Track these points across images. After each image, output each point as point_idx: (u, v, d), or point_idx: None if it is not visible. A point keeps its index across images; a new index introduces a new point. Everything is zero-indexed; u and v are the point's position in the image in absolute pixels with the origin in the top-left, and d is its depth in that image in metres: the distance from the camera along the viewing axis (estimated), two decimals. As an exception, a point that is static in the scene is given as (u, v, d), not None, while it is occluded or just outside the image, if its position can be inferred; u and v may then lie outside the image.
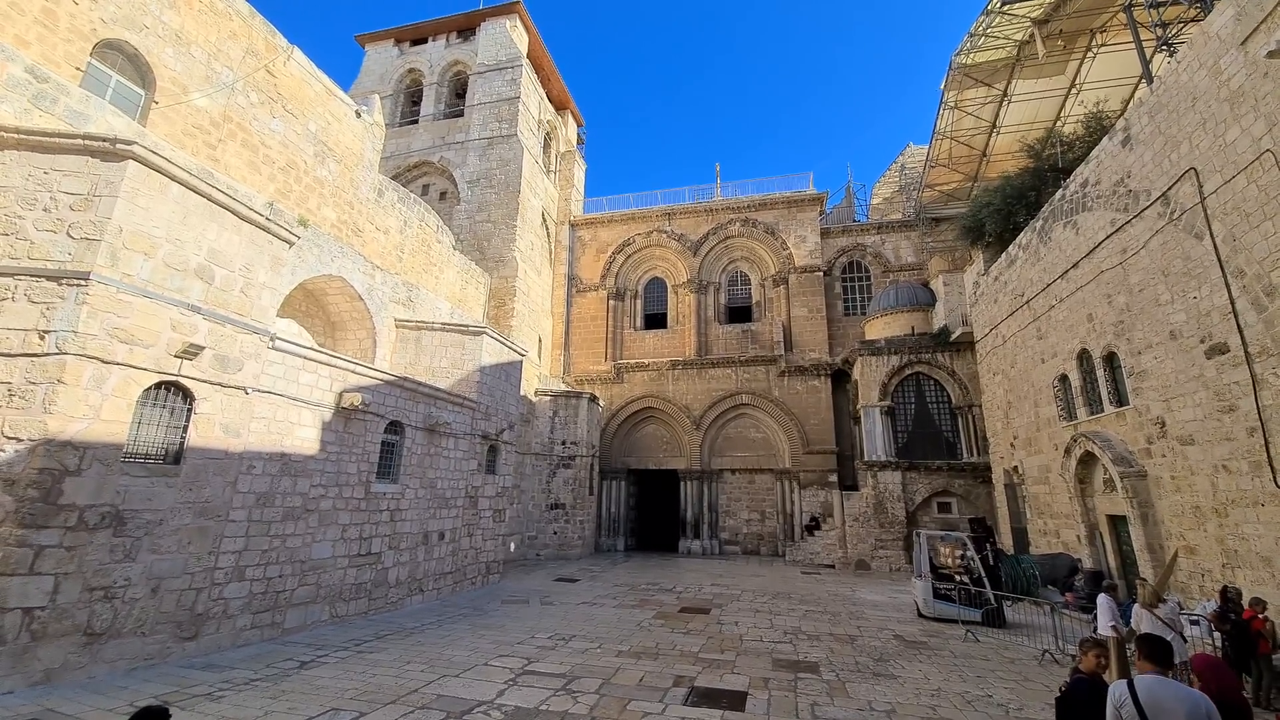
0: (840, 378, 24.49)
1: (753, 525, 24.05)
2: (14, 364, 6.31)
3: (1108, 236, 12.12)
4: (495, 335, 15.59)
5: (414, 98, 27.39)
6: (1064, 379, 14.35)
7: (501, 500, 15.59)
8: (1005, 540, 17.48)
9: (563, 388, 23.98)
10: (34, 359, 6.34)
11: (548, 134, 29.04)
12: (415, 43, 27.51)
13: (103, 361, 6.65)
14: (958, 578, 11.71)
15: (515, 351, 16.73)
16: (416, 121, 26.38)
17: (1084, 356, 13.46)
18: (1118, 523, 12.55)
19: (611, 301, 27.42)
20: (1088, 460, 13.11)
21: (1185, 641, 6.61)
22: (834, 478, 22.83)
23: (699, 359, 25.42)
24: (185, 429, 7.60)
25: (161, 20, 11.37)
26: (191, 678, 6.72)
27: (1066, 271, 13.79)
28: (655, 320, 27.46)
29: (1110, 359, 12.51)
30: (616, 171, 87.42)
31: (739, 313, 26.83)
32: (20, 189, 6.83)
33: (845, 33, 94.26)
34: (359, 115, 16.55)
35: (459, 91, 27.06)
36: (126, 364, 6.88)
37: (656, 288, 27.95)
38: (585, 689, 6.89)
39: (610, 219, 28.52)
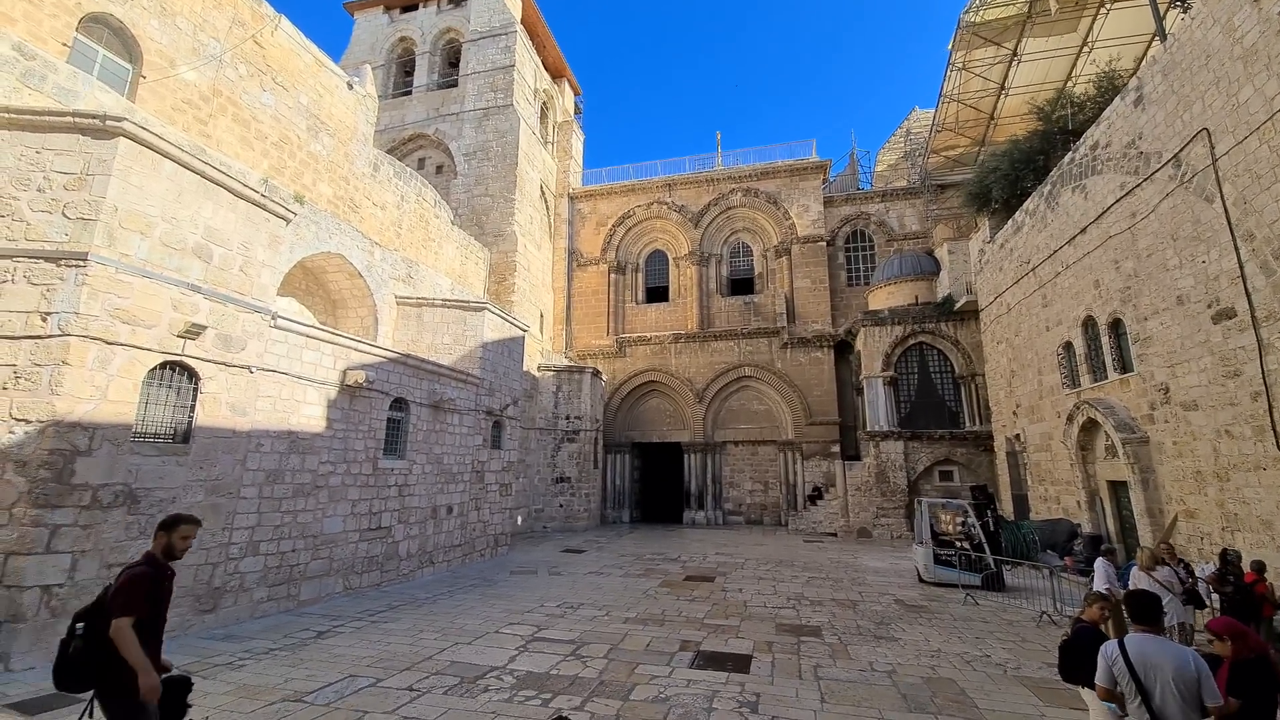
0: (843, 349, 24.45)
1: (756, 496, 24.36)
2: (18, 346, 6.33)
3: (1117, 201, 11.91)
4: (496, 311, 15.55)
5: (406, 68, 26.72)
6: (1068, 346, 14.29)
7: (507, 475, 15.78)
8: (1006, 507, 17.69)
9: (565, 363, 24.02)
10: (38, 341, 6.34)
11: (544, 104, 28.40)
12: (406, 10, 26.70)
13: (106, 342, 6.66)
14: (958, 544, 11.90)
15: (517, 327, 16.71)
16: (410, 93, 25.79)
17: (1089, 323, 13.37)
18: (1118, 488, 12.66)
19: (613, 275, 27.23)
20: (1090, 427, 13.15)
21: (1185, 605, 6.73)
22: (836, 448, 23.01)
23: (701, 332, 25.36)
24: (192, 408, 7.66)
25: (144, -10, 11.03)
26: (212, 648, 6.93)
27: (1074, 237, 13.60)
28: (657, 294, 27.30)
29: (1116, 325, 12.43)
30: (615, 142, 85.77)
31: (741, 284, 26.65)
32: (13, 169, 6.73)
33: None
34: (351, 87, 16.18)
35: (452, 60, 26.37)
36: (130, 344, 6.89)
37: (658, 260, 27.71)
38: (594, 654, 7.08)
39: (610, 191, 28.11)
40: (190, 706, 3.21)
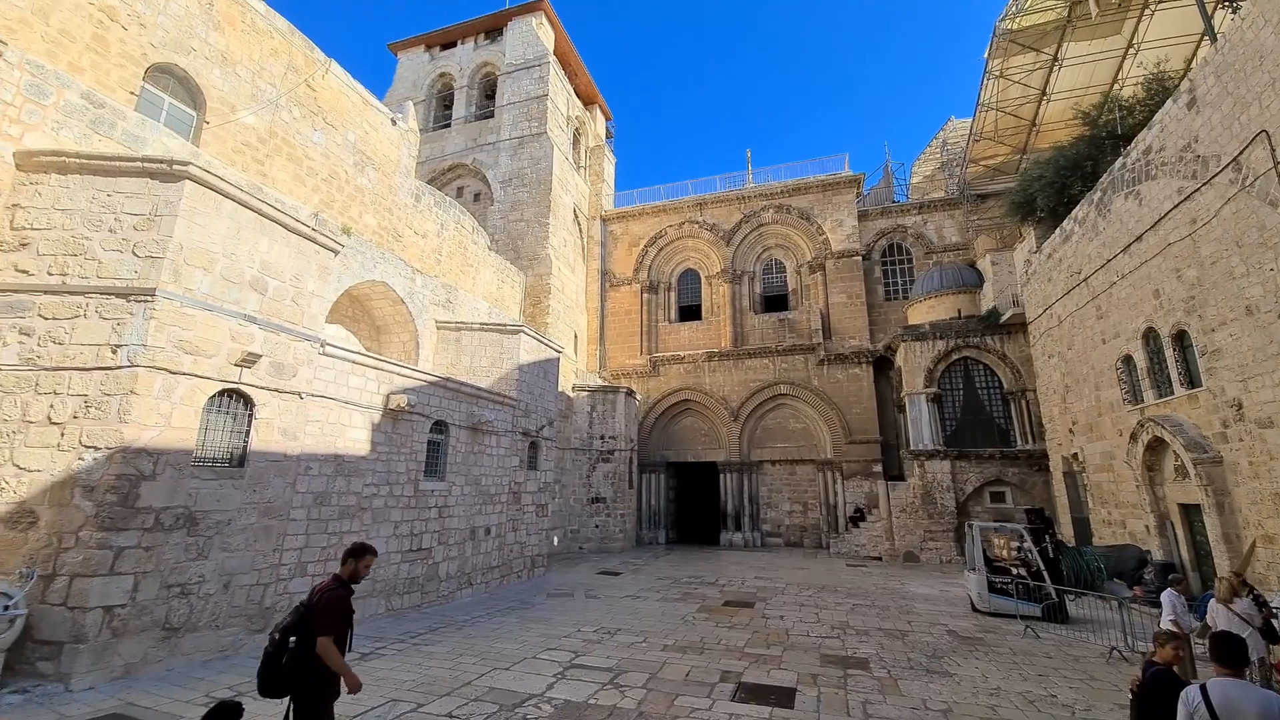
0: (882, 365, 23.81)
1: (795, 517, 23.73)
2: (89, 377, 6.76)
3: (1175, 206, 11.32)
4: (532, 333, 15.80)
5: (446, 101, 27.88)
6: (1128, 360, 13.53)
7: (544, 495, 15.85)
8: (1065, 531, 16.70)
9: (599, 382, 24.15)
10: (107, 372, 6.76)
11: (577, 130, 29.10)
12: (445, 47, 27.96)
13: (170, 372, 7.05)
14: (1014, 571, 11.26)
15: (552, 348, 16.92)
16: (449, 125, 26.86)
17: (1150, 335, 12.65)
18: (1190, 512, 11.80)
19: (645, 295, 27.39)
20: (1156, 446, 12.35)
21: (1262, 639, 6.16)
22: (878, 468, 22.27)
23: (735, 349, 25.14)
24: (247, 433, 8.00)
25: (208, 42, 11.89)
26: (261, 669, 7.10)
27: (1129, 245, 12.97)
28: (690, 312, 27.29)
29: (1180, 337, 11.72)
30: (646, 163, 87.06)
31: (775, 301, 26.38)
32: (85, 211, 7.27)
33: (877, 6, 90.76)
34: (394, 123, 16.95)
35: (489, 93, 27.38)
36: (192, 374, 7.28)
37: (690, 279, 27.75)
38: (632, 683, 6.95)
39: (641, 212, 28.43)
40: (242, 731, 3.28)
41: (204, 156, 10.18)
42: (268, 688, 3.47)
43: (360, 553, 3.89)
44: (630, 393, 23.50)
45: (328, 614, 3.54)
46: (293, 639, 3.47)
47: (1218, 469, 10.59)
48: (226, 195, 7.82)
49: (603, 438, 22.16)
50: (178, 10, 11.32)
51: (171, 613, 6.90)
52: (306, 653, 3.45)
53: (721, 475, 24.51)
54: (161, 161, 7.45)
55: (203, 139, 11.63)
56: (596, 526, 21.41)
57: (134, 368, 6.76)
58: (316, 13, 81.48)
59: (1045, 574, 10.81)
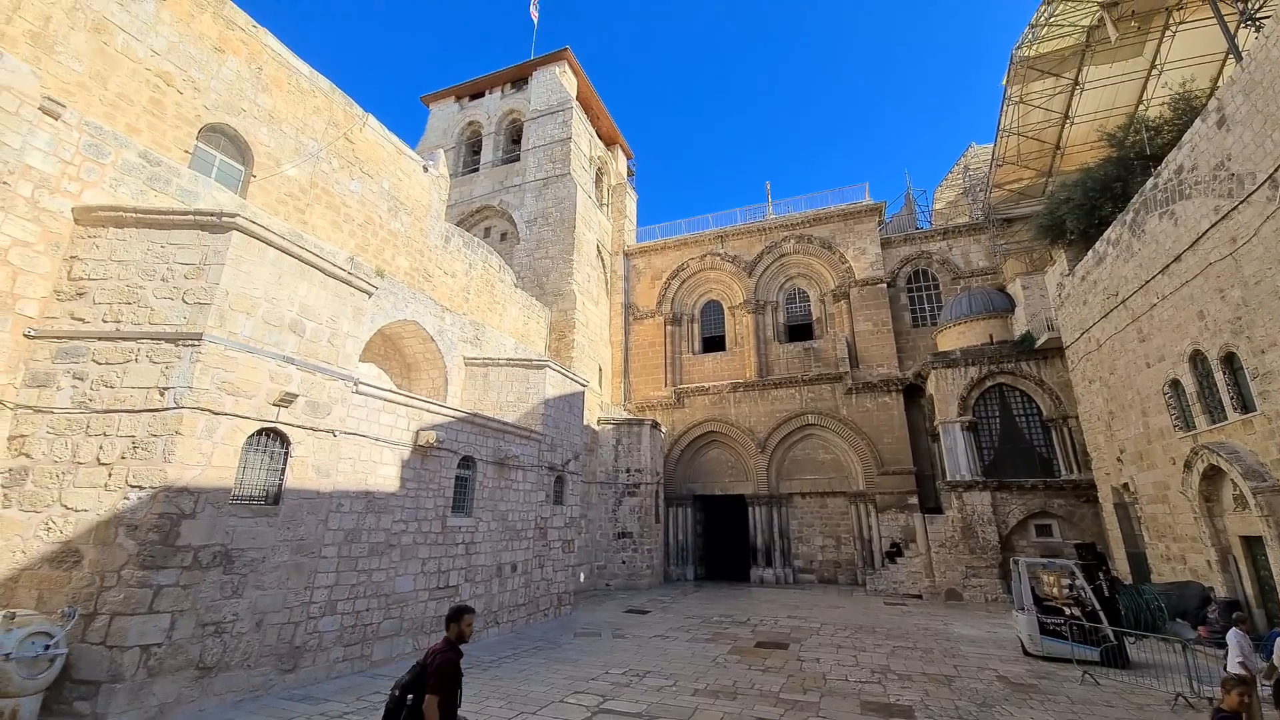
0: (913, 393, 23.24)
1: (828, 552, 22.94)
2: (138, 419, 7.06)
3: (1212, 225, 10.99)
4: (557, 367, 15.97)
5: (474, 147, 29.11)
6: (1176, 384, 12.95)
7: (570, 531, 15.72)
8: (1120, 567, 15.75)
9: (624, 415, 24.11)
10: (155, 413, 7.06)
11: (599, 169, 29.97)
12: (474, 97, 29.37)
13: (213, 413, 7.33)
14: (1067, 610, 10.61)
15: (577, 382, 17.05)
16: (477, 169, 27.97)
17: (1198, 358, 12.12)
18: (1253, 544, 11.03)
19: (669, 327, 27.53)
20: (1213, 475, 11.67)
21: None
22: (914, 500, 21.49)
23: (760, 380, 24.92)
24: (283, 471, 8.20)
25: (257, 103, 12.75)
26: (291, 710, 7.10)
27: (1168, 266, 12.58)
28: (713, 343, 27.27)
29: (1229, 360, 11.20)
30: (667, 198, 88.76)
31: (799, 330, 26.21)
32: (140, 261, 7.74)
33: (893, 37, 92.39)
34: (426, 170, 17.74)
35: (515, 138, 28.53)
36: (233, 414, 7.55)
37: (713, 310, 27.83)
38: (663, 730, 6.70)
39: (663, 246, 28.86)
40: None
41: (250, 208, 10.79)
42: None
43: (460, 615, 4.09)
44: (655, 425, 23.37)
45: (438, 676, 3.74)
46: (410, 696, 3.71)
47: (1278, 498, 9.94)
48: (270, 243, 8.25)
49: (628, 471, 21.99)
50: (229, 75, 12.21)
51: (205, 652, 6.98)
52: (416, 710, 3.69)
53: (750, 508, 23.96)
54: (211, 214, 7.93)
55: (249, 191, 12.36)
56: (623, 562, 21.04)
57: (180, 409, 7.05)
58: (351, 66, 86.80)
59: (1102, 614, 10.15)
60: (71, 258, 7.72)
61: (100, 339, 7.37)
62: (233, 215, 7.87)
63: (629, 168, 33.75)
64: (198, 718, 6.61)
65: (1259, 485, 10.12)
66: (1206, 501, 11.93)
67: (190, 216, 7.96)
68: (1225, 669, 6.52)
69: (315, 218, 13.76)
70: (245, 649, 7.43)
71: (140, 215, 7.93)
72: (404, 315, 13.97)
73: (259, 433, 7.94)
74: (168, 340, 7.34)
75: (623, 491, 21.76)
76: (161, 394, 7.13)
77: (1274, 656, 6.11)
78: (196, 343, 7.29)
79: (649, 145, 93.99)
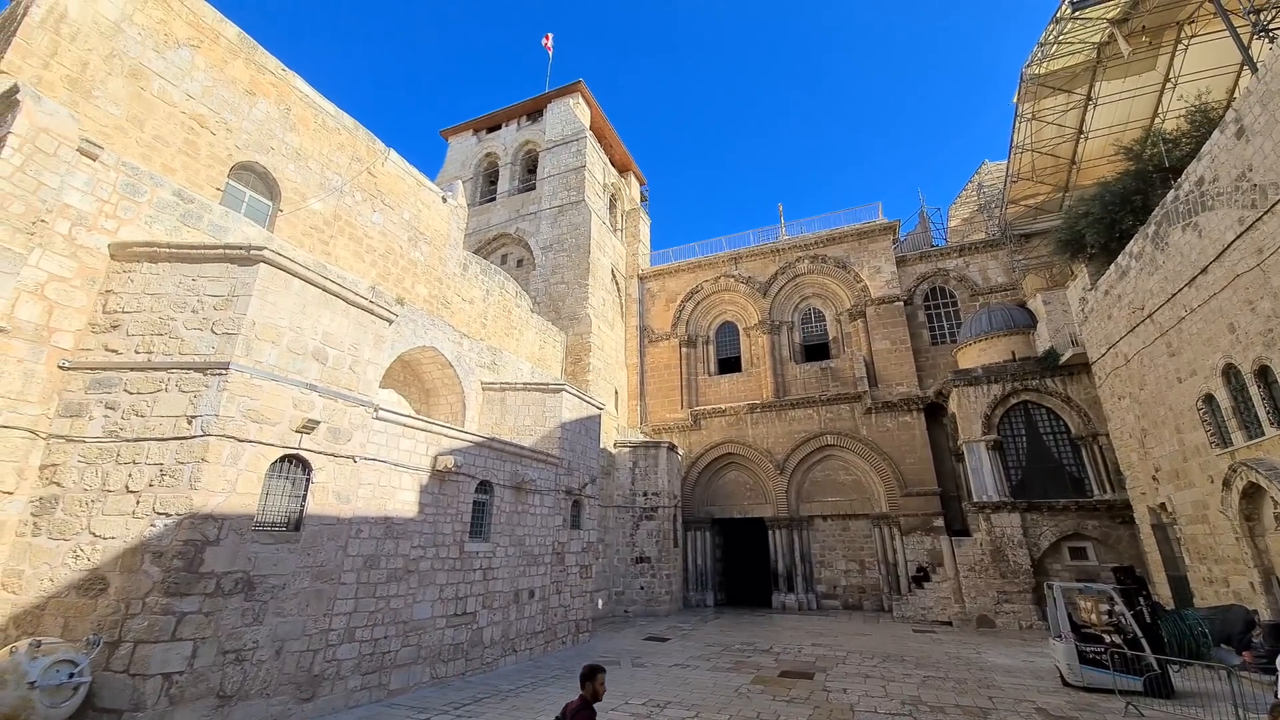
0: (934, 411, 22.80)
1: (851, 576, 22.33)
2: (166, 447, 7.24)
3: (1237, 237, 10.77)
4: (573, 391, 16.03)
5: (491, 178, 29.89)
6: (1209, 399, 12.54)
7: (587, 555, 15.56)
8: (1161, 591, 15.06)
9: (641, 438, 24.01)
10: (183, 441, 7.24)
11: (613, 195, 30.50)
12: (491, 130, 30.28)
13: (238, 440, 7.49)
14: (1107, 638, 10.14)
15: (593, 405, 17.07)
16: (494, 199, 28.66)
17: (1231, 372, 11.75)
18: (1308, 568, 10.49)
19: (684, 349, 27.54)
20: (1252, 493, 11.20)
21: None
22: (939, 521, 20.89)
23: (777, 400, 24.70)
24: (304, 498, 8.30)
25: (284, 141, 13.29)
26: (309, 740, 7.03)
27: (1194, 278, 12.31)
28: (729, 364, 27.18)
29: (1263, 373, 10.84)
30: (680, 221, 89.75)
31: (815, 350, 26.02)
32: (172, 295, 8.03)
33: (904, 56, 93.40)
34: (445, 200, 18.23)
35: (530, 167, 29.25)
36: (258, 441, 7.70)
37: (728, 332, 27.81)
38: (685, 763, 6.50)
39: (677, 269, 29.08)
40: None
41: (276, 240, 11.17)
42: None
43: (593, 674, 4.44)
44: (672, 447, 23.21)
45: None
46: None
47: (1332, 518, 9.46)
48: (295, 274, 8.51)
49: (646, 494, 21.79)
50: (259, 115, 12.78)
51: (226, 680, 6.99)
52: None
53: (770, 532, 23.51)
54: (240, 247, 8.22)
55: (276, 225, 12.81)
56: (641, 588, 20.70)
57: (206, 437, 7.22)
58: (372, 101, 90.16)
59: (1144, 641, 9.69)
60: (107, 292, 8.03)
61: (132, 369, 7.61)
62: (260, 248, 8.16)
63: (642, 193, 34.28)
64: (217, 747, 6.59)
65: (1305, 504, 9.67)
66: (1247, 521, 11.43)
67: (220, 250, 8.26)
68: (1277, 694, 6.17)
69: (339, 249, 14.17)
70: (265, 677, 7.43)
71: (173, 250, 8.25)
72: (423, 342, 14.21)
73: (282, 459, 8.07)
74: (196, 370, 7.56)
75: (640, 515, 21.53)
76: (189, 422, 7.31)
77: None
78: (224, 372, 7.49)
79: (662, 169, 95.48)
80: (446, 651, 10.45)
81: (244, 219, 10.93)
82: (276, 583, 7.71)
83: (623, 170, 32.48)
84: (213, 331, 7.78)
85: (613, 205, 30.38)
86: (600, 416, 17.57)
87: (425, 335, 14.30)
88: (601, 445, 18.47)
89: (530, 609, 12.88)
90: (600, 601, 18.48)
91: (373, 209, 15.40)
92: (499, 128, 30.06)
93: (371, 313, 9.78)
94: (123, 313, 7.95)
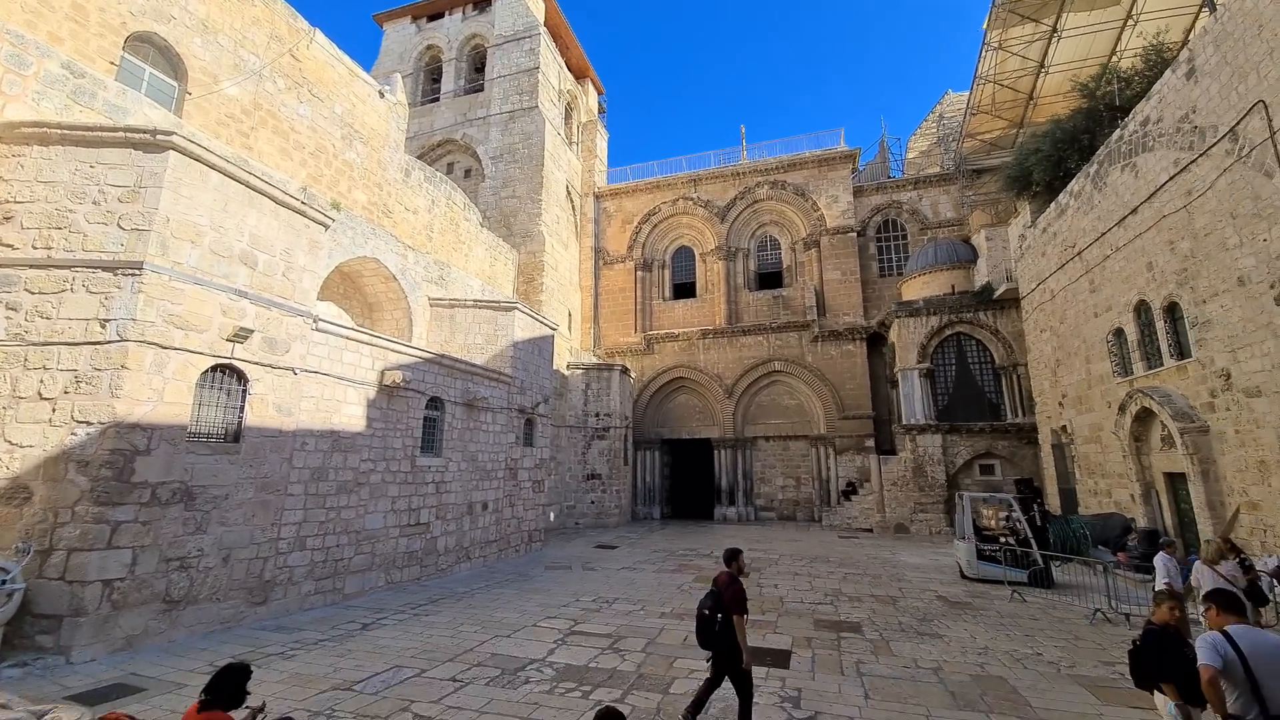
0: (876, 341, 23.92)
1: (788, 491, 24.06)
2: (78, 352, 6.67)
3: (1171, 178, 11.31)
4: (526, 310, 15.72)
5: (434, 75, 27.23)
6: (1119, 333, 13.66)
7: (540, 472, 15.95)
8: (1053, 502, 17.04)
9: (594, 361, 24.14)
10: (97, 346, 6.68)
11: (568, 104, 28.57)
12: (432, 18, 27.20)
13: (161, 347, 6.98)
14: (1003, 539, 11.50)
15: (547, 326, 16.86)
16: (438, 99, 26.27)
17: (1142, 308, 12.76)
18: (1175, 481, 12.06)
19: (639, 273, 27.25)
20: (1144, 417, 12.55)
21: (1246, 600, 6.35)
22: (871, 442, 22.53)
23: (729, 327, 25.16)
24: (242, 409, 7.97)
25: (188, 10, 11.50)
26: (264, 639, 7.20)
27: (1124, 218, 12.98)
28: (684, 290, 27.21)
29: (1171, 310, 11.82)
30: (639, 140, 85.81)
31: (769, 278, 26.34)
32: (68, 183, 7.10)
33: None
34: (382, 95, 16.57)
35: (478, 66, 26.76)
36: (183, 349, 7.21)
37: (684, 257, 27.61)
38: (631, 648, 7.11)
39: (635, 189, 28.13)
40: (249, 694, 3.33)
41: (187, 127, 9.92)
42: (707, 643, 4.72)
43: (736, 554, 5.08)
44: (625, 370, 23.53)
45: (736, 601, 4.70)
46: (719, 615, 4.66)
47: (1204, 438, 10.79)
48: (212, 166, 7.66)
49: (598, 415, 22.25)
50: (154, -25, 10.91)
51: (171, 586, 6.95)
52: (726, 622, 4.65)
53: (716, 452, 24.73)
54: (144, 131, 7.27)
55: (185, 110, 11.33)
56: (592, 502, 21.63)
57: (124, 342, 6.69)
58: (298, -17, 78.88)
59: (1033, 541, 11.06)
60: (-8, 177, 7.01)
61: (31, 266, 6.82)
62: (168, 133, 7.24)
63: (600, 104, 32.29)
64: (168, 649, 6.65)
65: (1187, 426, 10.95)
66: (1136, 441, 12.88)
67: (121, 134, 7.29)
68: (1155, 588, 7.21)
69: (261, 143, 12.79)
70: (213, 583, 7.42)
71: (66, 132, 7.23)
72: (364, 252, 13.38)
73: (214, 369, 7.64)
74: (105, 269, 6.86)
75: (592, 435, 22.08)
76: (103, 326, 6.72)
77: (1191, 578, 6.79)
78: (137, 272, 6.83)
79: (621, 82, 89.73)
80: (401, 559, 10.71)
81: (145, 100, 9.63)
82: (218, 493, 7.53)
83: (579, 76, 30.26)
84: (120, 227, 7.00)
85: (568, 115, 28.54)
86: (554, 337, 17.43)
87: (366, 245, 13.44)
88: (555, 367, 18.46)
89: (484, 520, 13.25)
90: (552, 514, 19.22)
91: (299, 99, 13.82)
92: (442, 15, 27.02)
93: (304, 215, 9.03)
94: (15, 203, 7.01)
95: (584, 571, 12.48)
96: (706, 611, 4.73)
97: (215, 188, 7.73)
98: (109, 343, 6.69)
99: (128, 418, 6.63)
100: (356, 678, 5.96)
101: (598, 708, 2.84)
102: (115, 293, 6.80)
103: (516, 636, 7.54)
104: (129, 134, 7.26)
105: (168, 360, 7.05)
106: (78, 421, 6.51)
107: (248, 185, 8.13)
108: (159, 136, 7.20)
